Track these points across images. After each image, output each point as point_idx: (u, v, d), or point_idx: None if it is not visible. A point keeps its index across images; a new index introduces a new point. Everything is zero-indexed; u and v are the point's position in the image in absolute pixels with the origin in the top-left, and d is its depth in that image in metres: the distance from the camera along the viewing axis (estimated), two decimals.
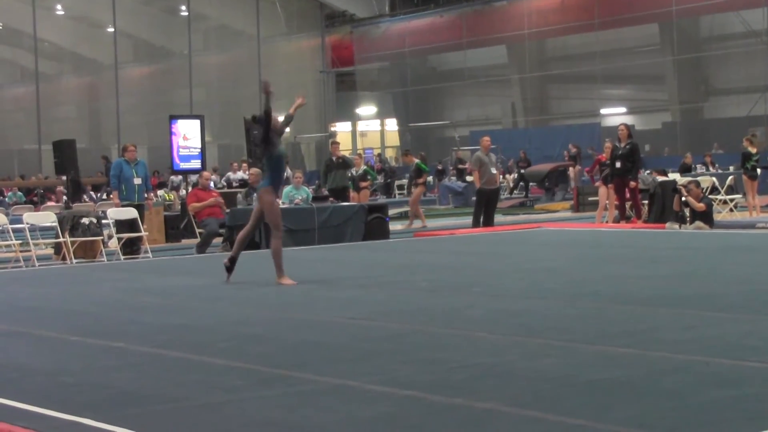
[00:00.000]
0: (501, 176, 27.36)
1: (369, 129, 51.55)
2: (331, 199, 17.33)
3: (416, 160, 22.91)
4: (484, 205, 18.52)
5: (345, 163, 20.39)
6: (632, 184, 17.66)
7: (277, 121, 10.45)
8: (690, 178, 19.39)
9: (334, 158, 20.41)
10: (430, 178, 34.55)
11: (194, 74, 42.53)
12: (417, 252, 14.48)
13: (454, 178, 33.42)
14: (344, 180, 20.25)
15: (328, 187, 19.83)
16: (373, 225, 16.60)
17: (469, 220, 20.46)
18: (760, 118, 33.39)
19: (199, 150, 22.70)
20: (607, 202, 18.58)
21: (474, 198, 19.85)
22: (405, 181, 36.69)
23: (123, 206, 15.60)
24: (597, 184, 19.32)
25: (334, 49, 46.97)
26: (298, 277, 10.51)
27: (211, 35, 46.57)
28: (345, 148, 33.82)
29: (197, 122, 23.37)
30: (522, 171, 32.93)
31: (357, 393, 5.35)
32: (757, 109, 33.99)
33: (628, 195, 17.87)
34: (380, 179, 35.59)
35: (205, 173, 18.92)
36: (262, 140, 10.38)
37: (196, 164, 22.63)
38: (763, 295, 8.57)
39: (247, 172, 22.40)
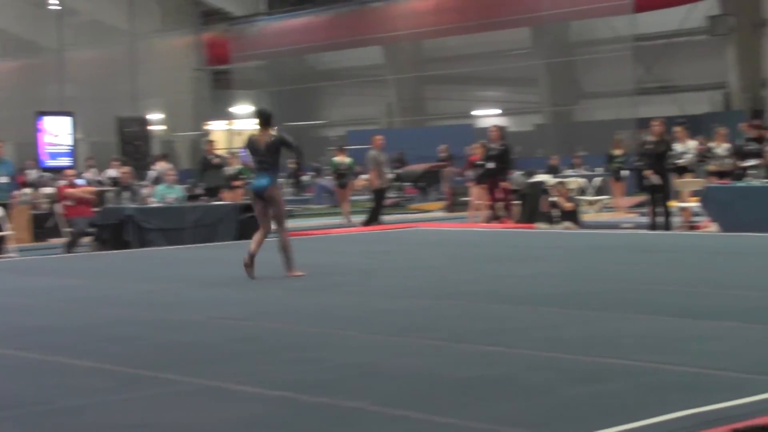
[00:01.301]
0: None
1: (244, 128, 51.13)
2: (203, 197, 17.12)
3: (348, 159, 22.07)
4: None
5: (220, 162, 20.34)
6: (503, 184, 17.95)
7: None
8: (559, 179, 19.83)
9: (209, 157, 20.29)
10: (306, 177, 34.42)
11: (66, 70, 41.39)
12: None
13: (329, 177, 33.36)
14: (219, 179, 20.06)
15: (204, 186, 19.64)
16: (246, 224, 16.42)
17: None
18: (628, 122, 34.35)
19: (69, 147, 22.14)
20: (479, 202, 18.84)
21: (367, 196, 19.86)
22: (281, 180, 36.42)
23: None
24: (469, 184, 19.56)
25: (209, 47, 46.37)
26: (168, 277, 10.33)
27: (84, 30, 45.39)
28: (220, 147, 33.41)
29: (68, 119, 22.79)
30: (398, 171, 33.12)
31: (225, 394, 5.28)
32: (624, 112, 34.96)
33: (499, 195, 18.16)
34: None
35: (68, 171, 18.44)
36: (295, 150, 11.19)
37: (65, 162, 22.06)
38: (628, 293, 8.79)
39: (118, 171, 21.86)
